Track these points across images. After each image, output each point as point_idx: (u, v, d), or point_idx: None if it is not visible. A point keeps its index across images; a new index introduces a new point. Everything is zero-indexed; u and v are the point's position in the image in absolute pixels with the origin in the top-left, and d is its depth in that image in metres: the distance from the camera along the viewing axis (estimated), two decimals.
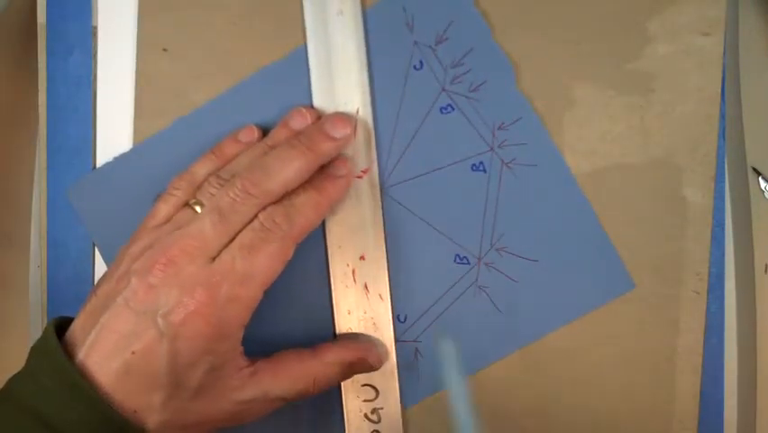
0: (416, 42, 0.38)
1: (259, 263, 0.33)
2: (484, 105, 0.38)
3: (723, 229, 0.38)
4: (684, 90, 0.37)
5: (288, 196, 0.34)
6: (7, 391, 0.32)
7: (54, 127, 0.40)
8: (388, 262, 0.38)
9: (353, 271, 0.38)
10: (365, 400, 0.38)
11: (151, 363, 0.31)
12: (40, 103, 0.40)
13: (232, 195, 0.33)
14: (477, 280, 0.38)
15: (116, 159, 0.40)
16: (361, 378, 0.38)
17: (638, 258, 0.38)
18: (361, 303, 0.38)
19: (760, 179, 0.39)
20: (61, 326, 0.33)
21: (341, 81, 0.37)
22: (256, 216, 0.33)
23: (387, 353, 0.38)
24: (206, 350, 0.32)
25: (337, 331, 0.38)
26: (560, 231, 0.38)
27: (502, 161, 0.38)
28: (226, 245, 0.33)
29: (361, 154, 0.37)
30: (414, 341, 0.39)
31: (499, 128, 0.38)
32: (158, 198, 0.36)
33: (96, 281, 0.37)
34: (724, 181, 0.38)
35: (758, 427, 0.38)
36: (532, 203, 0.38)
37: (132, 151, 0.39)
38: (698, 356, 0.38)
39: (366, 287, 0.38)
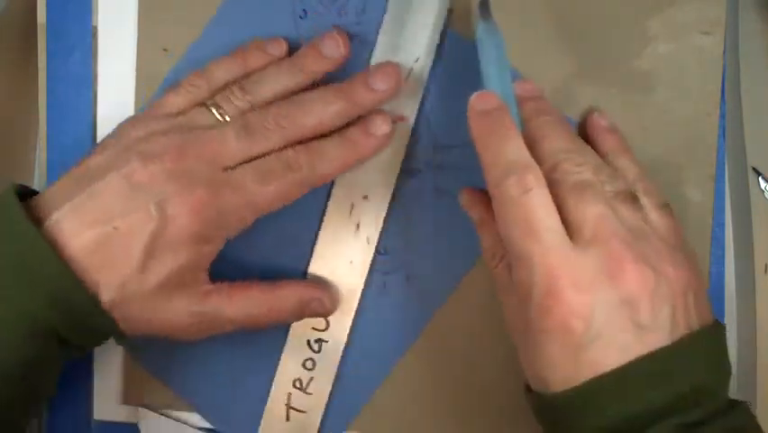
0: None
1: (267, 193, 0.33)
2: (377, 22, 0.37)
3: (723, 229, 0.38)
4: (684, 89, 0.37)
5: (321, 140, 0.34)
6: None
7: (54, 127, 0.40)
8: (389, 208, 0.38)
9: (351, 207, 0.38)
10: (313, 328, 0.38)
11: (130, 242, 0.31)
12: (40, 103, 0.40)
13: (262, 119, 0.33)
14: (434, 185, 0.38)
15: None
16: None
17: None
18: (347, 240, 0.38)
19: (760, 179, 0.39)
20: (25, 194, 0.33)
21: (411, 24, 0.37)
22: (284, 148, 0.34)
23: (339, 299, 0.38)
24: (184, 247, 0.32)
25: (313, 258, 0.38)
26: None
27: None
28: (239, 165, 0.33)
29: (405, 101, 0.37)
30: (384, 273, 0.38)
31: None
32: (168, 89, 0.35)
33: None
34: (724, 181, 0.38)
35: None
36: (457, 92, 0.37)
37: None
38: None
39: (358, 226, 0.38)
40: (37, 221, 0.31)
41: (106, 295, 0.32)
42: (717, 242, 0.38)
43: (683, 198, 0.38)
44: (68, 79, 0.40)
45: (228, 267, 0.35)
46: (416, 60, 0.37)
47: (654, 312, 0.28)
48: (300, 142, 0.34)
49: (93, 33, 0.39)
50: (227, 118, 0.34)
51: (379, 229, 0.38)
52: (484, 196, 0.33)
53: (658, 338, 0.28)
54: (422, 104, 0.38)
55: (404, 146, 0.38)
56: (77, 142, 0.40)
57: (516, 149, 0.30)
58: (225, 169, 0.33)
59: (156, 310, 0.33)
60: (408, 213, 0.38)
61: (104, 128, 0.40)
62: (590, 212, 0.29)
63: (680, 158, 0.38)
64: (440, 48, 0.38)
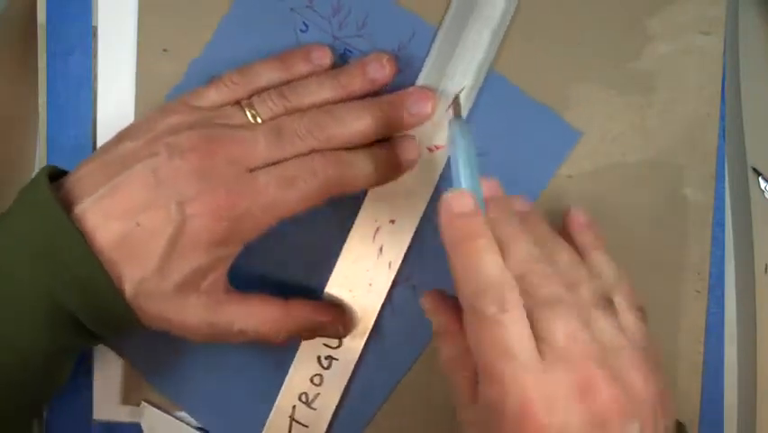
0: (291, 9, 0.38)
1: (289, 198, 0.33)
2: (377, 36, 0.38)
3: (723, 229, 0.38)
4: (684, 89, 0.37)
5: (352, 153, 0.34)
6: None
7: (54, 127, 0.40)
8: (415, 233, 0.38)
9: (377, 230, 0.37)
10: (325, 345, 0.38)
11: (151, 240, 0.31)
12: (40, 103, 0.40)
13: (295, 125, 0.33)
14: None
15: None
16: None
17: (638, 257, 0.38)
18: (369, 261, 0.38)
19: (760, 179, 0.39)
20: (56, 175, 0.33)
21: (463, 53, 0.37)
22: (310, 153, 0.33)
23: (355, 322, 0.38)
24: (203, 250, 0.32)
25: (332, 276, 0.38)
26: (493, 117, 0.38)
27: None
28: (266, 165, 0.33)
29: (445, 130, 0.37)
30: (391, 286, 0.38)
31: (400, 49, 0.38)
32: (211, 80, 0.36)
33: None
34: (724, 181, 0.38)
35: (758, 427, 0.38)
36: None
37: None
38: (698, 356, 0.38)
39: (381, 250, 0.38)
40: (66, 205, 0.32)
41: (128, 288, 0.32)
42: (717, 242, 0.38)
43: (683, 198, 0.38)
44: (68, 79, 0.40)
45: (247, 278, 0.35)
46: (461, 90, 0.37)
47: (623, 430, 0.28)
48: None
49: (93, 33, 0.39)
50: (259, 120, 0.34)
51: (402, 255, 0.38)
52: (449, 303, 0.32)
53: None
54: None
55: (437, 174, 0.37)
56: (77, 142, 0.40)
57: (492, 263, 0.29)
58: (251, 170, 0.33)
59: (173, 311, 0.33)
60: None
61: (104, 128, 0.40)
62: (561, 330, 0.28)
63: (680, 158, 0.38)
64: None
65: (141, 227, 0.31)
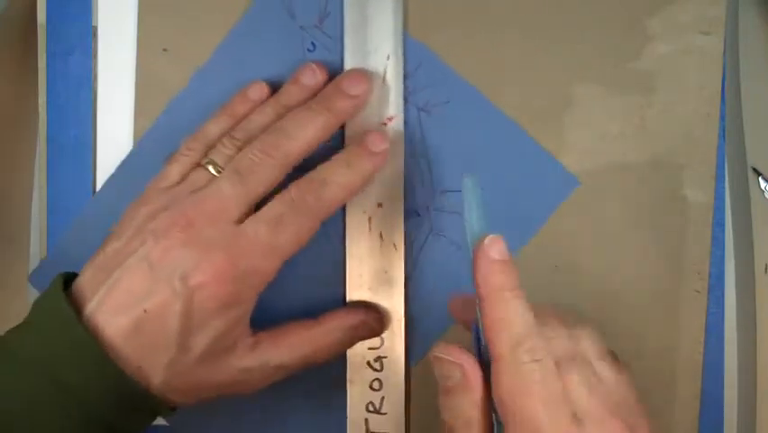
0: (301, 27, 0.38)
1: (284, 238, 0.33)
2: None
3: (723, 229, 0.38)
4: (684, 89, 0.37)
5: (322, 169, 0.34)
6: (4, 343, 0.32)
7: (54, 127, 0.40)
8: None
9: (369, 219, 0.37)
10: (370, 348, 0.38)
11: (163, 322, 0.31)
12: (40, 103, 0.40)
13: (250, 156, 0.33)
14: (431, 228, 0.38)
15: (69, 233, 0.40)
16: None
17: (638, 258, 0.38)
18: (375, 252, 0.37)
19: (760, 179, 0.39)
20: (68, 280, 0.33)
21: (374, 26, 0.37)
22: (287, 187, 0.33)
23: (389, 316, 0.37)
24: (218, 315, 0.32)
25: (348, 282, 0.38)
26: (492, 155, 0.38)
27: (417, 107, 0.38)
28: (247, 212, 0.33)
29: (389, 102, 0.37)
30: None
31: (405, 78, 0.38)
32: (168, 158, 0.35)
33: None
34: (724, 181, 0.38)
35: (758, 427, 0.38)
36: (457, 136, 0.38)
37: (82, 216, 0.40)
38: (698, 356, 0.38)
39: (381, 236, 0.37)
40: (77, 312, 0.32)
41: (156, 378, 0.32)
42: (717, 242, 0.38)
43: (683, 198, 0.38)
44: (68, 79, 0.40)
45: (268, 313, 0.35)
46: (388, 58, 0.37)
47: None
48: (298, 170, 0.34)
49: (93, 33, 0.39)
50: (220, 170, 0.34)
51: (402, 231, 0.37)
52: (466, 355, 0.30)
53: None
54: (424, 148, 0.38)
55: (402, 145, 0.37)
56: (77, 142, 0.40)
57: (527, 311, 0.28)
58: (236, 222, 0.32)
59: (206, 376, 0.33)
60: (405, 256, 0.38)
61: (104, 128, 0.40)
62: (582, 390, 0.28)
63: (680, 158, 0.38)
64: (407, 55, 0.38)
65: (149, 313, 0.31)
